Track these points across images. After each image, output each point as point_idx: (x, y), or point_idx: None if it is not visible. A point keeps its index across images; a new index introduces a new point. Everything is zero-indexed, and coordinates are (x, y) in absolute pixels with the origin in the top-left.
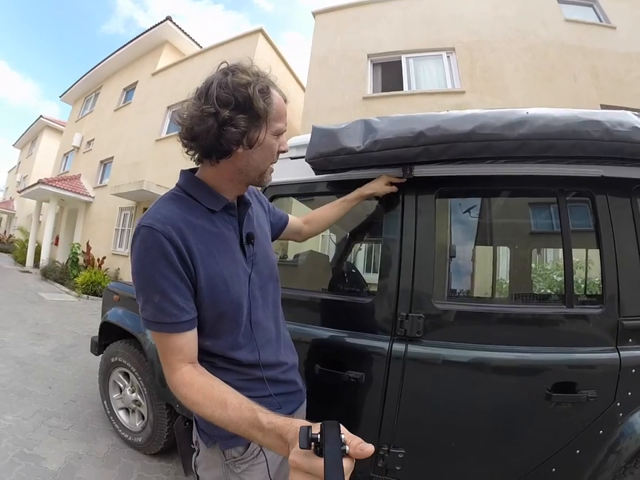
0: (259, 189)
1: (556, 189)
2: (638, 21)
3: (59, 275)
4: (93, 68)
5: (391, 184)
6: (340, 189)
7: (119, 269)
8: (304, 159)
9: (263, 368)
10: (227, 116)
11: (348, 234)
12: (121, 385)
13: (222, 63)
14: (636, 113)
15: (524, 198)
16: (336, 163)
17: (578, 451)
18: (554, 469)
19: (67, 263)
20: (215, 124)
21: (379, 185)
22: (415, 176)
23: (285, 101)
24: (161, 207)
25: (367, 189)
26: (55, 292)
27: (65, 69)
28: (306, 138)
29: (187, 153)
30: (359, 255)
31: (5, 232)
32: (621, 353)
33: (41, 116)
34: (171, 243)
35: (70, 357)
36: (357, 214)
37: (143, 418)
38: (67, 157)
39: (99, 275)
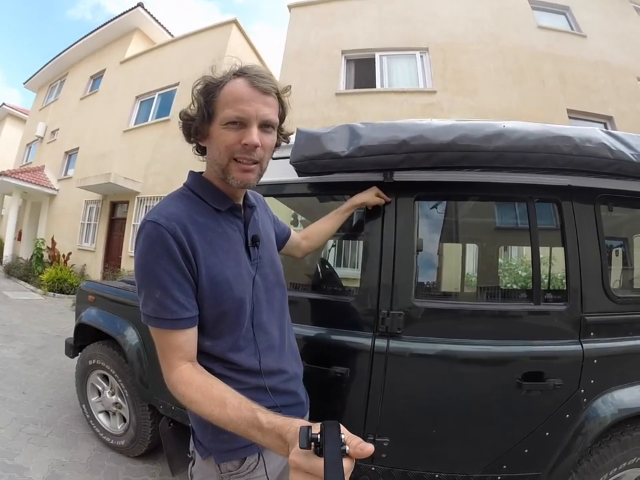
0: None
1: (526, 195)
2: (608, 30)
3: (23, 272)
4: (60, 54)
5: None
6: (322, 190)
7: (85, 265)
8: (285, 160)
9: (263, 375)
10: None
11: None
12: (100, 388)
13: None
14: (603, 129)
15: (496, 203)
16: (320, 167)
17: (547, 434)
18: (526, 450)
19: (31, 259)
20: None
21: (370, 196)
22: (395, 180)
23: (260, 89)
24: (167, 204)
25: (358, 199)
26: (20, 290)
27: (27, 55)
28: None
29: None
30: (342, 254)
31: None
32: (583, 345)
33: (3, 103)
34: (175, 240)
35: (41, 359)
36: None
37: (125, 420)
38: (30, 148)
39: (64, 271)
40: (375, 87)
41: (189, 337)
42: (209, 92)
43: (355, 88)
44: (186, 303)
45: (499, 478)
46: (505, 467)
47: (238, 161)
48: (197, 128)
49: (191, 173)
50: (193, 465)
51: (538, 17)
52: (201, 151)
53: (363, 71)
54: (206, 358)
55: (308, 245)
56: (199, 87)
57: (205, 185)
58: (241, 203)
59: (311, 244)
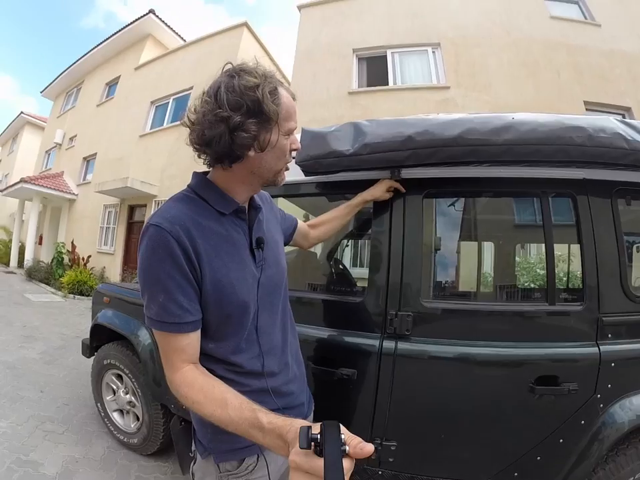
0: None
1: (539, 190)
2: (622, 18)
3: (44, 275)
4: (75, 62)
5: (391, 189)
6: (329, 190)
7: (104, 267)
8: (294, 161)
9: (266, 376)
10: (238, 121)
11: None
12: (114, 387)
13: (227, 64)
14: (618, 118)
15: (508, 199)
16: (326, 166)
17: (561, 440)
18: (539, 457)
19: (51, 262)
20: (226, 129)
21: (380, 191)
22: (403, 177)
23: (294, 98)
24: (170, 207)
25: (368, 195)
26: (41, 292)
27: (43, 64)
28: None
29: (198, 157)
30: (349, 253)
31: None
32: (600, 347)
33: (21, 112)
34: (178, 243)
35: (59, 359)
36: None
37: (138, 419)
38: (49, 154)
39: (84, 274)
40: (387, 84)
41: (192, 340)
42: (276, 101)
43: (367, 86)
44: (189, 306)
45: None
46: (516, 474)
47: (285, 164)
48: (257, 138)
49: (195, 175)
50: (194, 463)
51: (550, 6)
52: (231, 162)
53: (375, 69)
54: (208, 360)
55: (316, 235)
56: (266, 91)
57: (209, 187)
58: (246, 204)
59: (318, 234)
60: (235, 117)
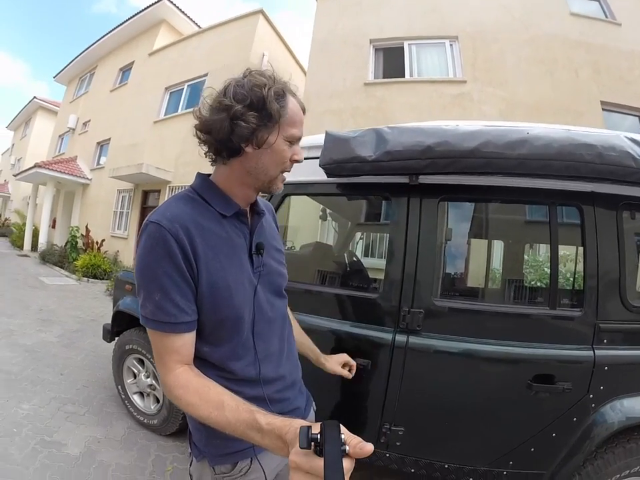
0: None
1: (548, 201)
2: None
3: (57, 258)
4: (88, 47)
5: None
6: (349, 191)
7: (118, 251)
8: (314, 161)
9: (262, 383)
10: (240, 111)
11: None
12: (136, 371)
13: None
14: (628, 136)
15: (518, 207)
16: (348, 170)
17: (554, 434)
18: (533, 449)
19: (65, 245)
20: (227, 117)
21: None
22: (421, 183)
23: (303, 111)
24: (171, 206)
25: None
26: (55, 276)
27: (55, 49)
28: (315, 139)
29: (201, 148)
30: (367, 246)
31: (1, 215)
32: (596, 351)
33: (34, 97)
34: (177, 242)
35: (77, 342)
36: (367, 214)
37: (158, 401)
38: (62, 139)
39: (98, 257)
40: (404, 76)
41: (186, 342)
42: (282, 103)
43: (383, 78)
44: (185, 307)
45: (504, 473)
46: (511, 462)
47: (282, 172)
48: (255, 132)
49: (199, 175)
50: (191, 465)
51: (571, 3)
52: (228, 154)
53: (391, 61)
54: (202, 365)
55: None
56: (272, 91)
57: (212, 188)
58: (248, 209)
59: None
60: (236, 107)
